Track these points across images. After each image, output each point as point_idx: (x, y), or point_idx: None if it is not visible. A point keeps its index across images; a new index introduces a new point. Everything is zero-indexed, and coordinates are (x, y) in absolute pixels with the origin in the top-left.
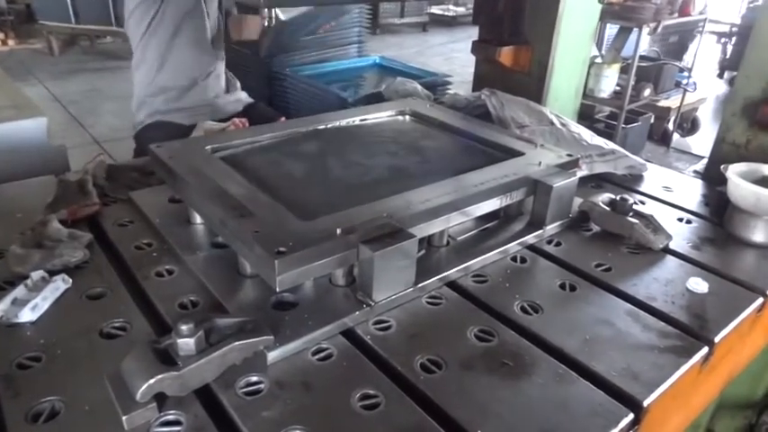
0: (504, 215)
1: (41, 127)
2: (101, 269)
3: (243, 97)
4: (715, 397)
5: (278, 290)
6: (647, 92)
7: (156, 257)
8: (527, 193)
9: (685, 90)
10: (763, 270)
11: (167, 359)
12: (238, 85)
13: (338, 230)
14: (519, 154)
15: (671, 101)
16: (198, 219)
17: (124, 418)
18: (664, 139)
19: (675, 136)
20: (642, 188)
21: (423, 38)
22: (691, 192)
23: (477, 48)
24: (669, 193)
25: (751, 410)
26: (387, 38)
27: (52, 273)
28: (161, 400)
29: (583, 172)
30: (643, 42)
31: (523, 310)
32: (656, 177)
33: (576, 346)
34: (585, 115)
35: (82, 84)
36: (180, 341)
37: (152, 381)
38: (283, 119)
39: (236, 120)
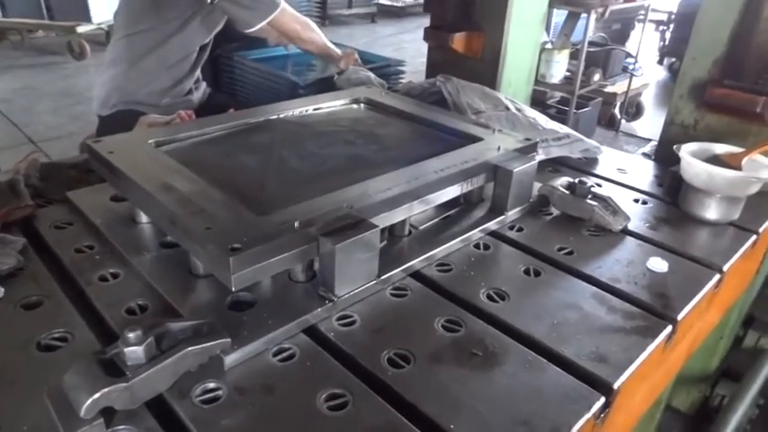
0: (464, 202)
1: None
2: (37, 276)
3: (204, 87)
4: (676, 373)
5: (234, 289)
6: (596, 77)
7: (99, 261)
8: (487, 179)
9: (632, 75)
10: (718, 247)
11: (114, 370)
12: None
13: (296, 224)
14: (477, 139)
15: (617, 86)
16: (144, 218)
17: None
18: (611, 123)
19: (623, 121)
20: (598, 171)
21: (372, 28)
22: (644, 173)
23: (429, 34)
24: (624, 174)
25: (705, 384)
26: (336, 29)
27: None
28: (109, 415)
29: (540, 156)
30: (590, 27)
31: (490, 297)
32: (610, 160)
33: (545, 331)
34: (538, 101)
35: (13, 81)
36: (127, 350)
37: (97, 395)
38: (232, 110)
39: (182, 112)
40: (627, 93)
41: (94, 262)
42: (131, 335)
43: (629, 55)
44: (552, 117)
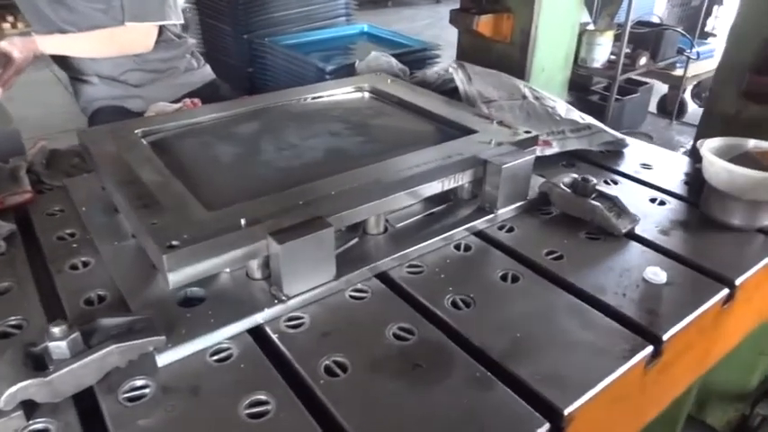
0: (455, 198)
1: None
2: (14, 262)
3: (208, 72)
4: (675, 397)
5: (170, 287)
6: (642, 60)
7: (75, 249)
8: (475, 175)
9: (688, 58)
10: (736, 257)
11: (40, 364)
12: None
13: (242, 221)
14: (471, 132)
15: (690, 69)
16: None
17: None
18: (681, 110)
19: (693, 106)
20: (619, 166)
21: (435, 9)
22: (672, 170)
23: (455, 17)
24: (648, 171)
25: (744, 402)
26: (400, 10)
27: None
28: (30, 407)
29: (553, 149)
30: (660, 6)
31: (454, 304)
32: (636, 154)
33: (503, 345)
34: (580, 86)
35: None
36: (51, 344)
37: (14, 389)
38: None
39: (188, 100)
40: (683, 76)
41: (71, 250)
42: (56, 329)
43: (684, 36)
44: (593, 104)
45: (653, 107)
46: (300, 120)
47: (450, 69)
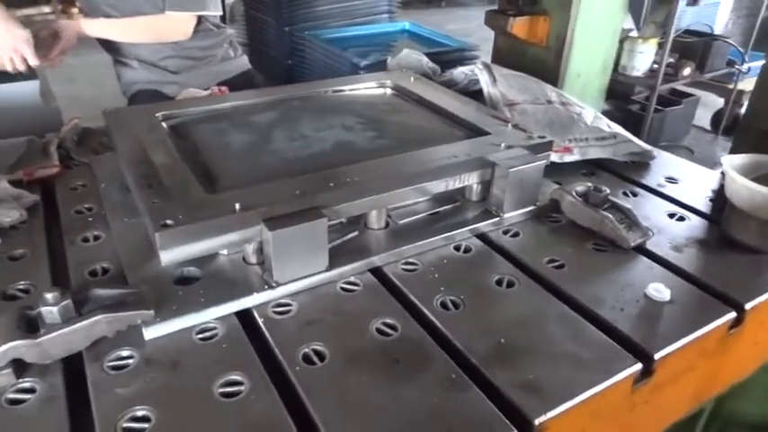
0: (462, 199)
1: (35, 88)
2: (33, 231)
3: (244, 62)
4: (674, 421)
5: (162, 264)
6: (686, 71)
7: (90, 222)
8: (482, 177)
9: (739, 71)
10: (749, 279)
11: (33, 327)
12: (239, 52)
13: (237, 206)
14: (484, 133)
15: (747, 83)
16: None
17: None
18: (734, 125)
19: None
20: (642, 178)
21: None
22: (699, 186)
23: (489, 18)
24: (672, 185)
25: None
26: (453, 10)
27: None
28: (20, 366)
29: (573, 156)
30: (722, 16)
31: (443, 304)
32: (663, 167)
33: (485, 349)
34: (620, 94)
35: None
36: (44, 309)
37: (5, 347)
38: None
39: (215, 87)
40: (733, 90)
41: (86, 223)
42: (49, 296)
43: (734, 47)
44: (632, 114)
45: (702, 120)
46: (317, 112)
47: (476, 70)
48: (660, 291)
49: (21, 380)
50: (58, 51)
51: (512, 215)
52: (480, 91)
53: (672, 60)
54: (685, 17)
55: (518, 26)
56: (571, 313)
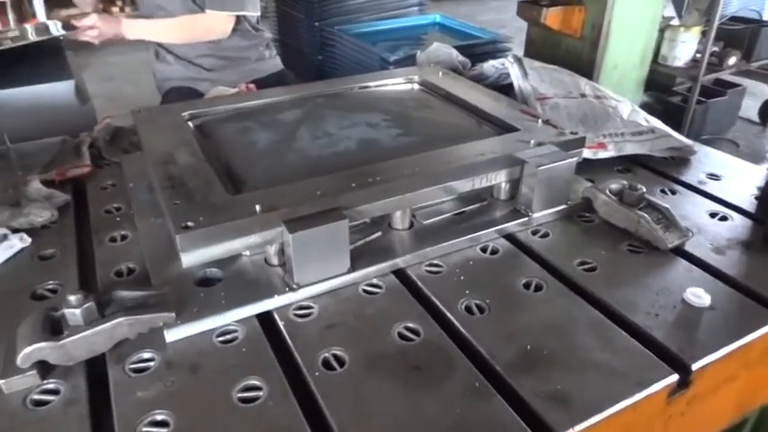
0: (490, 198)
1: (70, 88)
2: (63, 230)
3: (277, 63)
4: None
5: (183, 266)
6: (731, 60)
7: (118, 222)
8: (510, 175)
9: None
10: None
11: (57, 328)
12: (273, 53)
13: (257, 207)
14: (513, 129)
15: None
16: None
17: (1, 382)
18: None
19: None
20: (682, 175)
21: None
22: (744, 183)
23: (522, 9)
24: (714, 182)
25: None
26: (488, 1)
27: (19, 231)
28: (45, 367)
29: (608, 152)
30: None
31: (468, 309)
32: (705, 163)
33: (510, 356)
34: (662, 86)
35: None
36: (67, 311)
37: (29, 349)
38: None
39: (243, 86)
40: None
41: (114, 223)
42: (72, 298)
43: None
44: (673, 106)
45: (749, 112)
46: (343, 109)
47: (507, 63)
48: (699, 296)
49: (45, 381)
50: (86, 36)
51: (541, 215)
52: (511, 85)
53: (716, 49)
54: (732, 3)
55: (552, 17)
56: (602, 319)
